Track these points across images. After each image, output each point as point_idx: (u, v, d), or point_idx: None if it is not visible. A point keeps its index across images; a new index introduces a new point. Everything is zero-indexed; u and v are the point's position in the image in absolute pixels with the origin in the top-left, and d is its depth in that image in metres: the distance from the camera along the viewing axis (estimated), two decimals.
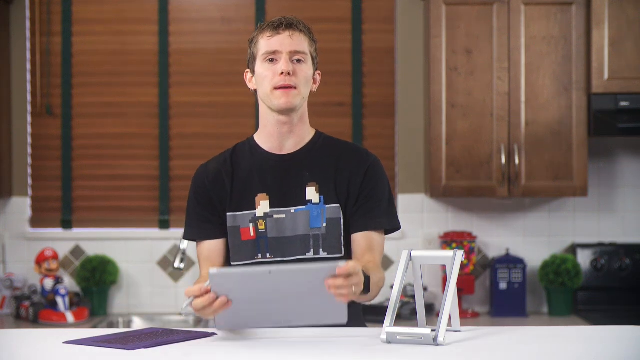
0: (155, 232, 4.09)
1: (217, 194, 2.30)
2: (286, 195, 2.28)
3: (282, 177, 2.29)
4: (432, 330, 1.90)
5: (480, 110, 3.81)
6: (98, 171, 4.12)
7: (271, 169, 2.30)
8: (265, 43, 2.26)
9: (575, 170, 3.79)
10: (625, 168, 4.11)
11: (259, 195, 2.28)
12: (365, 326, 2.33)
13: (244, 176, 2.31)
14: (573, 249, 4.06)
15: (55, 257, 3.94)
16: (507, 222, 4.09)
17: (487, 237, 4.08)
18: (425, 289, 3.96)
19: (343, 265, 1.84)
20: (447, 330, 1.94)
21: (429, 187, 3.87)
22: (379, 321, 2.05)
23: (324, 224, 2.26)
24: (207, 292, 1.90)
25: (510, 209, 4.09)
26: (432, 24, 3.82)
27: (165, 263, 4.07)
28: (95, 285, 3.97)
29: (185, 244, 3.80)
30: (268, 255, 2.26)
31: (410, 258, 2.04)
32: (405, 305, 3.79)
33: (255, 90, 2.34)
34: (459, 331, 2.06)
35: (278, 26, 2.25)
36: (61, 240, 4.07)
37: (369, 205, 2.28)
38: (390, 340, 1.94)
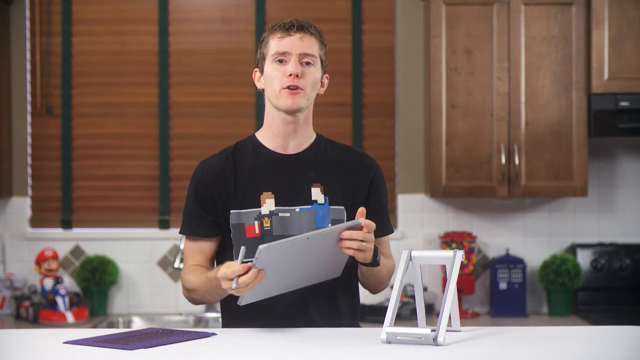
0: (155, 232, 4.09)
1: (219, 191, 2.31)
2: (291, 194, 2.29)
3: (288, 176, 2.31)
4: (432, 330, 1.90)
5: (480, 110, 3.81)
6: (98, 171, 4.12)
7: (276, 167, 2.32)
8: (276, 44, 2.28)
9: (575, 170, 3.79)
10: (625, 168, 4.11)
11: (265, 193, 2.29)
12: (359, 326, 2.35)
13: (248, 174, 2.32)
14: (573, 249, 4.06)
15: (55, 257, 3.94)
16: (507, 222, 4.09)
17: (487, 237, 4.08)
18: (425, 289, 3.96)
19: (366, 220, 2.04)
20: (447, 330, 1.94)
21: (429, 187, 3.87)
22: (379, 321, 2.06)
23: (329, 225, 2.27)
24: (249, 269, 1.97)
25: (510, 209, 4.09)
26: (432, 24, 3.82)
27: (165, 263, 4.08)
28: (95, 285, 3.96)
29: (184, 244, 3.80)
30: None
31: (410, 258, 2.04)
32: (405, 305, 3.79)
33: (263, 90, 2.34)
34: (459, 331, 2.06)
35: (289, 28, 2.27)
36: (61, 240, 4.07)
37: (377, 212, 2.31)
38: (390, 340, 1.94)
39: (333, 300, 2.31)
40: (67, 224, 4.10)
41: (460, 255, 1.98)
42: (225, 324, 2.35)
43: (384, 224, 2.36)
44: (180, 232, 2.39)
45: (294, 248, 1.99)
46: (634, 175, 4.10)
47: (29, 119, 4.12)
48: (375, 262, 2.15)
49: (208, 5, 4.14)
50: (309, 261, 2.06)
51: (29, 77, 4.11)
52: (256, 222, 2.27)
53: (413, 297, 3.73)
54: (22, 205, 4.10)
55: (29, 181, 4.12)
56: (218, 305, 2.70)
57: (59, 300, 3.79)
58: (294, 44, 2.26)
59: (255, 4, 4.11)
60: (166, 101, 4.11)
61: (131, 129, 4.12)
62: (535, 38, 3.80)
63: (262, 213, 2.27)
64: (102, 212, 4.11)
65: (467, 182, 3.81)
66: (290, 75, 2.24)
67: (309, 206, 2.28)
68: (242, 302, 2.04)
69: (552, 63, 3.80)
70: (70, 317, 3.78)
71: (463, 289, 3.88)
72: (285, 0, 4.12)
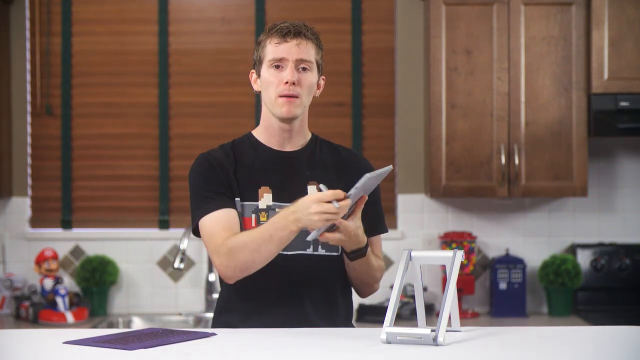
0: (155, 232, 4.09)
1: (227, 177, 2.31)
2: (288, 191, 2.31)
3: (285, 173, 2.34)
4: (432, 331, 1.90)
5: (480, 110, 3.81)
6: (98, 171, 4.12)
7: (274, 164, 2.35)
8: (273, 49, 2.30)
9: (575, 170, 3.79)
10: (625, 168, 4.11)
11: (262, 187, 2.32)
12: (353, 326, 2.37)
13: (246, 168, 2.34)
14: (573, 249, 4.06)
15: (55, 257, 3.94)
16: (507, 222, 4.09)
17: (487, 237, 4.08)
18: (425, 289, 3.96)
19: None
20: (447, 331, 1.94)
21: (429, 187, 3.87)
22: (379, 321, 2.06)
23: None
24: (346, 197, 2.04)
25: (510, 209, 4.09)
26: (432, 24, 3.82)
27: (165, 263, 4.07)
28: (95, 286, 3.96)
29: (185, 244, 3.80)
30: None
31: (410, 258, 2.04)
32: (405, 305, 3.79)
33: (259, 92, 2.36)
34: (459, 331, 2.07)
35: (286, 34, 2.29)
36: (61, 241, 4.07)
37: (371, 211, 2.32)
38: (390, 340, 1.94)
39: (329, 298, 2.32)
40: (67, 224, 4.10)
41: (460, 255, 1.98)
42: (220, 324, 2.34)
43: (378, 223, 2.39)
44: (194, 220, 2.30)
45: (372, 183, 2.07)
46: (634, 175, 4.10)
47: (28, 119, 4.12)
48: (357, 253, 2.20)
49: (208, 5, 4.14)
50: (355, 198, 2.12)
51: (29, 77, 4.11)
52: (253, 216, 2.30)
53: (413, 297, 3.73)
54: (22, 205, 4.10)
55: (29, 181, 4.12)
56: None
57: (59, 300, 3.80)
58: (290, 51, 2.28)
59: (255, 4, 4.11)
60: (166, 101, 4.11)
61: (131, 129, 4.12)
62: (535, 38, 3.80)
63: (260, 207, 2.30)
64: (102, 212, 4.11)
65: (467, 182, 3.81)
66: (287, 82, 2.27)
67: None
68: (311, 237, 2.10)
69: (552, 63, 3.80)
70: (70, 317, 3.78)
71: (463, 289, 3.88)
72: (285, 0, 4.12)
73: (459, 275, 3.78)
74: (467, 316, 3.88)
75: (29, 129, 4.12)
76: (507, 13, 3.80)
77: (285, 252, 2.26)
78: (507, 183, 3.80)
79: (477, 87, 3.81)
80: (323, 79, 2.40)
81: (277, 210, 2.28)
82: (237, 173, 2.33)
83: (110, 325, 3.85)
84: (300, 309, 2.28)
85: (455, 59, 3.81)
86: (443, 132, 3.82)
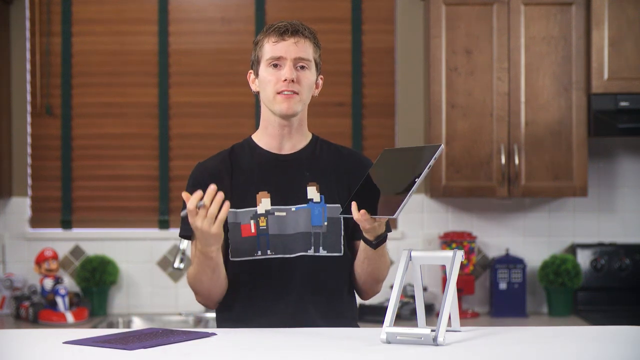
0: (155, 232, 4.09)
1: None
2: (287, 193, 2.30)
3: (283, 176, 2.33)
4: (432, 331, 1.90)
5: (480, 110, 3.81)
6: (98, 171, 4.12)
7: (272, 167, 2.33)
8: (270, 48, 2.29)
9: (575, 170, 3.79)
10: (625, 168, 4.11)
11: (260, 192, 2.30)
12: (358, 326, 2.35)
13: (244, 174, 2.33)
14: (573, 249, 4.06)
15: (55, 257, 3.94)
16: (507, 222, 4.09)
17: (487, 237, 4.08)
18: (425, 289, 3.96)
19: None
20: (447, 331, 1.93)
21: (429, 187, 3.87)
22: (379, 321, 2.05)
23: (325, 223, 2.29)
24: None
25: (510, 209, 4.09)
26: (432, 24, 3.82)
27: (165, 263, 4.07)
28: (95, 286, 3.96)
29: (185, 244, 3.80)
30: (269, 252, 2.27)
31: (410, 258, 2.04)
32: (405, 305, 3.79)
33: (257, 92, 2.35)
34: (459, 331, 2.06)
35: (284, 32, 2.28)
36: (61, 241, 4.07)
37: None
38: (390, 340, 1.94)
39: (333, 299, 2.31)
40: (67, 224, 4.10)
41: (460, 255, 1.98)
42: (222, 324, 2.34)
43: (383, 222, 2.36)
44: (180, 235, 2.36)
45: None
46: (634, 175, 4.11)
47: (28, 119, 4.12)
48: (380, 238, 2.16)
49: (208, 5, 4.14)
50: None
51: (29, 77, 4.11)
52: (252, 222, 2.29)
53: (413, 297, 3.73)
54: (22, 205, 4.10)
55: (29, 181, 4.12)
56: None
57: (59, 300, 3.80)
58: (288, 49, 2.27)
59: (255, 4, 4.11)
60: (166, 101, 4.11)
61: (131, 129, 4.12)
62: (535, 38, 3.80)
63: (258, 212, 2.29)
64: (102, 212, 4.11)
65: (467, 182, 3.81)
66: (285, 80, 2.26)
67: (305, 205, 2.29)
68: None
69: (552, 63, 3.80)
70: (70, 317, 3.78)
71: (463, 289, 3.88)
72: (285, 0, 4.12)
73: (459, 275, 3.78)
74: (467, 316, 3.88)
75: (29, 129, 4.12)
76: (507, 13, 3.80)
77: (286, 255, 2.25)
78: (507, 183, 3.80)
79: (477, 87, 3.81)
80: (321, 78, 2.39)
81: (276, 214, 2.27)
82: (234, 180, 2.32)
83: (110, 325, 3.85)
84: (303, 311, 2.27)
85: (455, 59, 3.81)
86: (443, 132, 3.82)
